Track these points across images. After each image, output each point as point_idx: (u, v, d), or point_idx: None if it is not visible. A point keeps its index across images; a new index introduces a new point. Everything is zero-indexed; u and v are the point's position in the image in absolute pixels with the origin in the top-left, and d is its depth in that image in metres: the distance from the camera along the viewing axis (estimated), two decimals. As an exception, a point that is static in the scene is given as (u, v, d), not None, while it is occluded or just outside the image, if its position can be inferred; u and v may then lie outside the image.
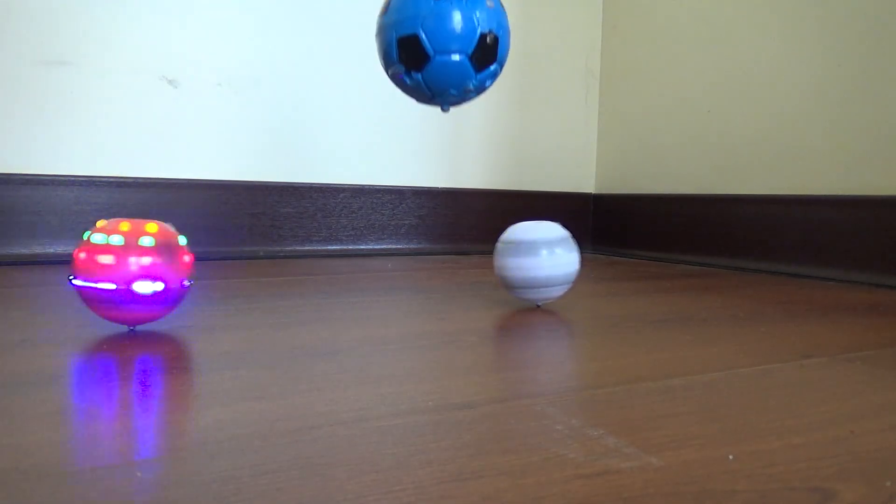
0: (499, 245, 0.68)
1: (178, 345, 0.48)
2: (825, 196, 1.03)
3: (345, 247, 1.21)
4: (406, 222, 1.27)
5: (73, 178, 1.00)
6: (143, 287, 0.48)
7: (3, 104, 0.96)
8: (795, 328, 0.61)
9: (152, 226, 0.50)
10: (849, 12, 1.00)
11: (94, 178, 1.02)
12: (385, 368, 0.43)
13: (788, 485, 0.27)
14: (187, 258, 0.51)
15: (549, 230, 0.66)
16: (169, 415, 0.33)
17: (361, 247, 1.23)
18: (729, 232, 1.14)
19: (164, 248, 0.49)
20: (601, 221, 1.46)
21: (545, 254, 0.64)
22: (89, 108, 1.02)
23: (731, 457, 0.29)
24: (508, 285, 0.67)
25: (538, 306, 0.69)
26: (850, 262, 0.99)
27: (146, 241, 0.49)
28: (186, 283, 0.51)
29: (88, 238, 0.49)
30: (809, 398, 0.39)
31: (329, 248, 1.20)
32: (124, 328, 0.53)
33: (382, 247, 1.25)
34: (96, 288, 0.48)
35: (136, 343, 0.48)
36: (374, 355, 0.46)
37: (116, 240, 0.48)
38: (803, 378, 0.43)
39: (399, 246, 1.27)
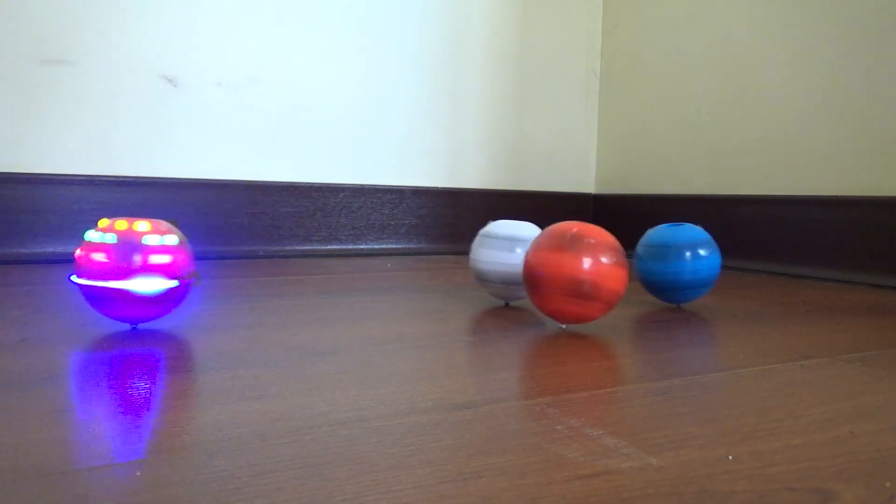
0: (477, 238, 0.69)
1: (177, 344, 0.48)
2: (825, 196, 1.03)
3: (344, 246, 1.21)
4: (406, 222, 1.27)
5: (72, 177, 1.00)
6: (144, 285, 0.48)
7: (2, 102, 0.96)
8: (795, 329, 0.60)
9: (151, 224, 0.50)
10: (849, 14, 1.00)
11: (93, 177, 1.02)
12: (385, 368, 0.43)
13: (788, 485, 0.27)
14: (187, 256, 0.51)
15: (529, 230, 0.67)
16: (168, 414, 0.33)
17: (361, 246, 1.23)
18: (729, 232, 1.14)
19: (164, 245, 0.49)
20: (601, 222, 1.45)
21: (520, 252, 0.65)
22: (89, 106, 1.02)
23: (730, 457, 0.29)
24: (479, 277, 0.68)
25: (507, 304, 0.70)
26: (851, 263, 0.99)
27: (148, 240, 0.49)
28: (189, 279, 0.51)
29: (92, 235, 0.49)
30: (809, 399, 0.39)
31: (329, 247, 1.20)
32: (124, 326, 0.53)
33: (382, 246, 1.25)
34: (96, 286, 0.48)
35: (135, 342, 0.48)
36: (374, 355, 0.46)
37: (112, 238, 0.48)
38: (803, 378, 0.43)
39: (399, 246, 1.27)
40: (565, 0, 1.42)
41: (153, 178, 1.06)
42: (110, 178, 1.03)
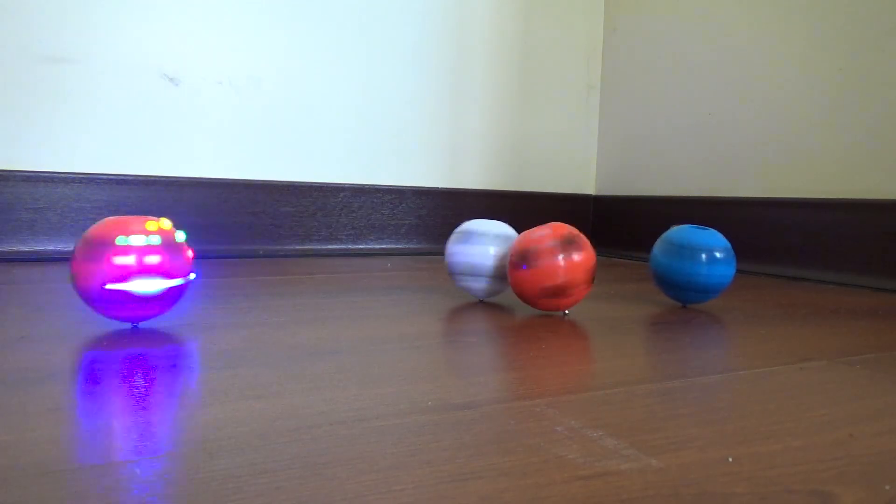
0: (452, 236, 0.72)
1: (177, 343, 0.48)
2: (826, 199, 1.03)
3: (344, 246, 1.21)
4: (406, 222, 1.27)
5: (73, 175, 1.00)
6: (144, 285, 0.48)
7: (3, 100, 0.96)
8: (795, 331, 0.61)
9: (151, 223, 0.50)
10: (851, 17, 1.00)
11: (94, 176, 1.02)
12: (385, 368, 0.43)
13: (787, 487, 0.27)
14: (189, 254, 0.51)
15: (500, 228, 0.71)
16: (168, 413, 0.33)
17: (361, 246, 1.23)
18: (730, 234, 1.14)
19: (164, 244, 0.49)
20: (601, 223, 1.46)
21: (492, 251, 0.68)
22: (90, 105, 1.02)
23: (730, 459, 0.29)
24: (451, 271, 0.70)
25: (481, 301, 0.71)
26: (851, 266, 0.99)
27: (150, 239, 0.49)
28: (189, 278, 0.51)
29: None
30: (809, 401, 0.39)
31: (329, 247, 1.20)
32: (124, 325, 0.52)
33: (382, 246, 1.25)
34: (96, 287, 0.48)
35: (134, 340, 0.48)
36: (374, 355, 0.46)
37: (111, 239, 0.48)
38: (803, 381, 0.43)
39: (399, 246, 1.27)
40: (567, 1, 1.42)
41: (154, 176, 1.06)
42: (111, 176, 1.03)
